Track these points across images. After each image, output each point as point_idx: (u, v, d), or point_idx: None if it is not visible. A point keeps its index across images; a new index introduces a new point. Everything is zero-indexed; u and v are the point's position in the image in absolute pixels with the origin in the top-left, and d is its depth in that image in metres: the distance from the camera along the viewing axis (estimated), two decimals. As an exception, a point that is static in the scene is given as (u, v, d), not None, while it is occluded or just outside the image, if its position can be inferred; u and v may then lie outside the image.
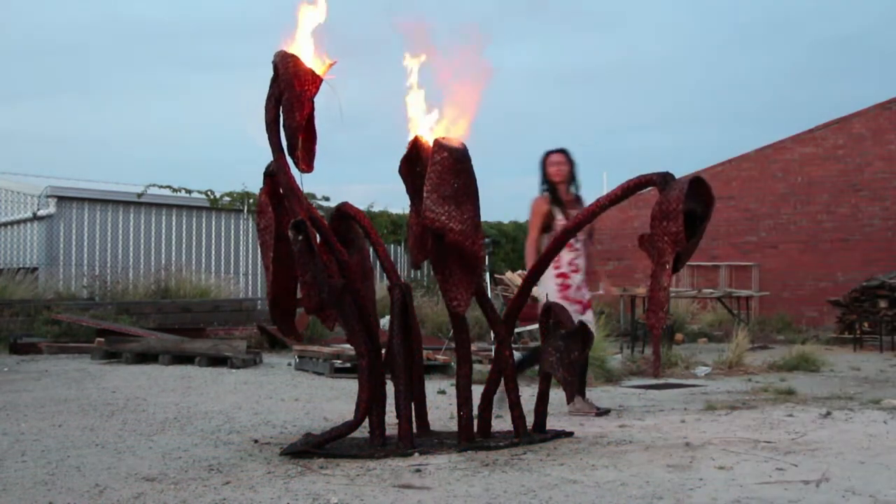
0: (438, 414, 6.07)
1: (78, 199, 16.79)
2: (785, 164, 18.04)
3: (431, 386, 7.23)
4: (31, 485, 4.13)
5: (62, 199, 16.55)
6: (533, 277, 5.35)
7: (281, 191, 4.85)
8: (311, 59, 4.82)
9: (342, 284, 4.79)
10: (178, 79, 63.48)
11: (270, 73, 4.79)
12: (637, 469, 4.37)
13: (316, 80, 4.79)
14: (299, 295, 4.95)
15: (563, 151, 6.65)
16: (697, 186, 4.59)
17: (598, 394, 7.62)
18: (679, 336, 13.61)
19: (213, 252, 18.32)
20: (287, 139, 4.80)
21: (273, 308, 4.87)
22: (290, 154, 4.82)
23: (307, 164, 5.00)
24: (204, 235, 18.29)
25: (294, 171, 4.87)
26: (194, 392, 7.47)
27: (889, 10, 61.72)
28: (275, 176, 4.84)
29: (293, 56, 4.76)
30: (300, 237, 4.56)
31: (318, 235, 4.81)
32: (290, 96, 4.68)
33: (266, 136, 4.93)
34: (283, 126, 4.80)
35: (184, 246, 17.91)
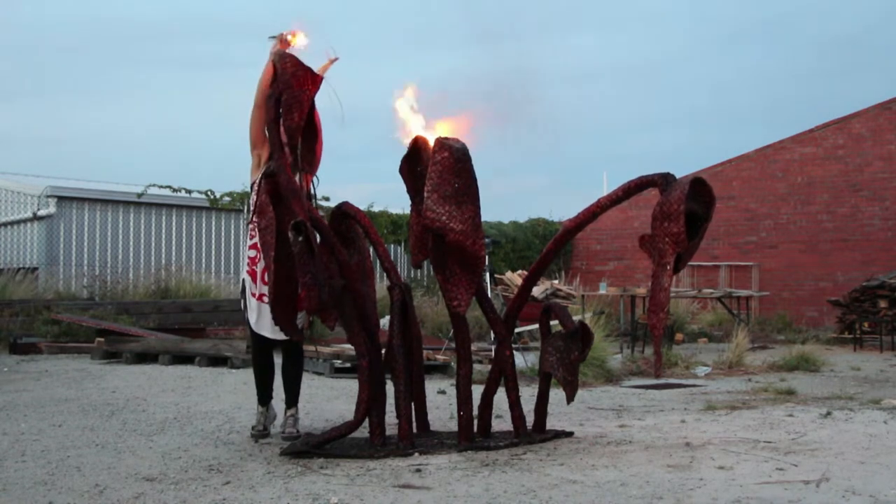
0: (438, 414, 6.06)
1: (78, 199, 16.78)
2: (785, 164, 18.04)
3: (431, 386, 7.23)
4: (31, 485, 4.13)
5: (62, 199, 16.54)
6: (533, 277, 5.35)
7: (281, 191, 4.83)
8: (311, 58, 4.81)
9: (342, 285, 4.79)
10: (178, 79, 63.48)
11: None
12: (637, 469, 4.37)
13: (316, 80, 4.76)
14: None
15: None
16: (698, 187, 4.59)
17: (597, 394, 7.63)
18: (679, 336, 13.61)
19: (213, 252, 18.31)
20: (287, 139, 4.79)
21: (274, 307, 4.85)
22: (290, 154, 4.81)
23: (308, 164, 4.98)
24: (204, 235, 18.28)
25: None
26: (194, 392, 7.47)
27: (889, 9, 61.71)
28: (275, 176, 4.83)
29: (290, 56, 4.73)
30: (300, 238, 4.55)
31: (318, 236, 4.80)
32: (289, 97, 4.66)
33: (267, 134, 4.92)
34: (283, 126, 4.80)
35: (184, 246, 17.90)
